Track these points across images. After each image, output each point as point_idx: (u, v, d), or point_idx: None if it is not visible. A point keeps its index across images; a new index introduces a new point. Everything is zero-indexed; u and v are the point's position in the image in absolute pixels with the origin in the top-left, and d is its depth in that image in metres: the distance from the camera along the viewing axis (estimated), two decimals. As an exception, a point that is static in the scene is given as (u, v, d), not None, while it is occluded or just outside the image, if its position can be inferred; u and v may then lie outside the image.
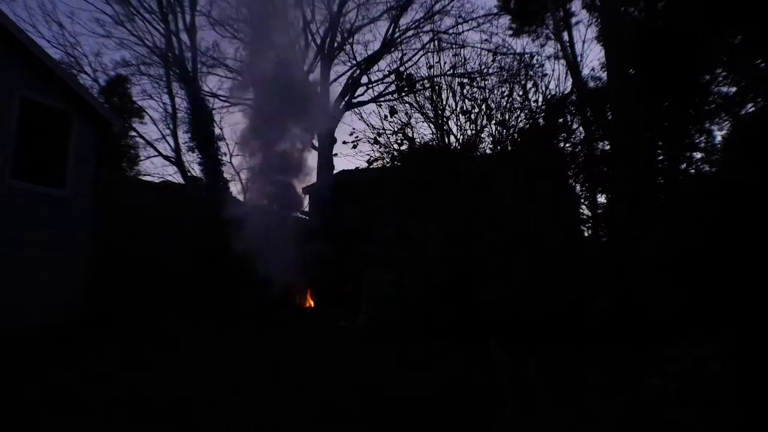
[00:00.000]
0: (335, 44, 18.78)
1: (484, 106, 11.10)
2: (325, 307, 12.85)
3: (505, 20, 17.38)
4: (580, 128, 12.77)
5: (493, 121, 11.12)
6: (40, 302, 8.99)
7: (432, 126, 11.69)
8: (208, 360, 7.13)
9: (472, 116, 11.14)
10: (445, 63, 12.98)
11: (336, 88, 18.97)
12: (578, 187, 12.33)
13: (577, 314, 7.33)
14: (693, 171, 11.95)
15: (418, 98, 12.11)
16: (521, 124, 11.42)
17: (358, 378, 6.20)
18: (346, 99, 18.59)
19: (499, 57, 13.22)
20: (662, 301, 7.09)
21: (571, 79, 13.51)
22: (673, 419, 4.33)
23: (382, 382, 6.01)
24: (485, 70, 12.49)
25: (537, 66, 12.96)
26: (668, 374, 5.44)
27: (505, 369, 4.43)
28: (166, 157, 19.20)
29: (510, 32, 17.02)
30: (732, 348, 5.07)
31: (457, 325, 7.59)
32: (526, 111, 11.49)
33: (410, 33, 18.57)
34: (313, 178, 17.21)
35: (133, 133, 19.94)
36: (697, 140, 12.32)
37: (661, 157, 12.48)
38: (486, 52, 13.67)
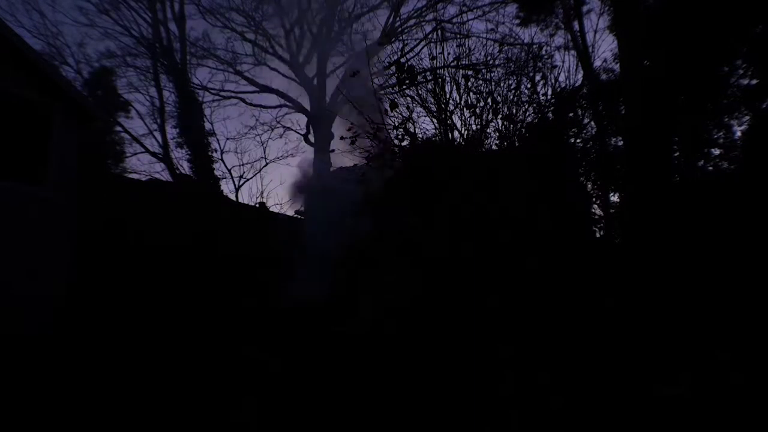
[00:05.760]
0: (332, 34, 18.84)
1: (489, 100, 11.08)
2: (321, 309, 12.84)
3: (512, 9, 17.45)
4: (592, 123, 12.77)
5: (500, 116, 11.10)
6: (11, 311, 8.94)
7: (435, 121, 11.68)
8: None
9: (477, 110, 11.12)
10: (448, 54, 12.96)
11: (333, 81, 19.03)
12: (590, 186, 12.33)
13: (583, 318, 7.35)
14: (711, 168, 11.97)
15: (419, 91, 12.09)
16: (529, 119, 11.41)
17: (358, 386, 6.21)
18: (343, 92, 18.61)
19: (506, 48, 13.20)
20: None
21: (582, 71, 13.52)
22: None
23: (383, 390, 6.02)
24: (491, 62, 12.48)
25: (546, 57, 12.93)
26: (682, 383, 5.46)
27: (510, 375, 4.46)
28: (154, 154, 19.25)
29: (517, 21, 17.06)
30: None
31: (460, 328, 7.60)
32: (534, 105, 11.48)
33: (412, 22, 18.64)
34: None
35: (119, 129, 20.00)
36: (716, 136, 12.32)
37: (677, 154, 12.50)
38: (492, 42, 13.65)
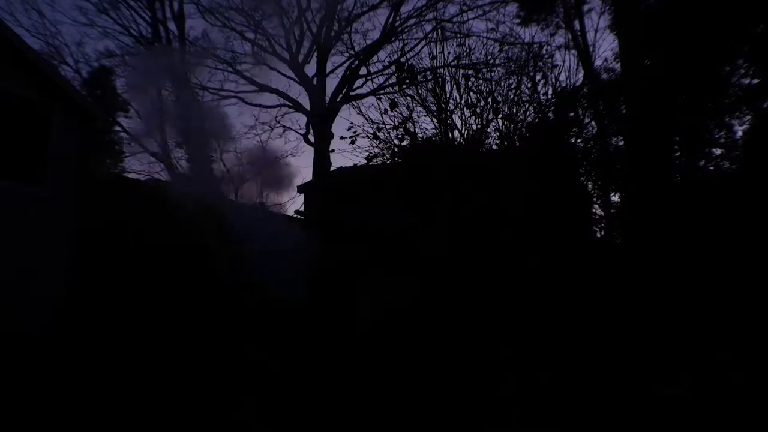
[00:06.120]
0: (332, 33, 18.83)
1: (490, 99, 11.13)
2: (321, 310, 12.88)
3: (512, 8, 17.40)
4: (593, 123, 12.81)
5: (500, 115, 11.15)
6: (10, 311, 8.93)
7: (435, 120, 11.73)
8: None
9: (478, 110, 11.17)
10: (448, 53, 13.00)
11: (333, 80, 19.03)
12: (590, 186, 12.37)
13: (584, 317, 7.39)
14: (712, 168, 12.00)
15: (420, 91, 12.14)
16: (530, 119, 11.46)
17: (359, 386, 6.24)
18: (343, 92, 18.63)
19: (507, 47, 13.24)
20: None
21: (582, 71, 13.56)
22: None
23: (384, 390, 6.06)
24: (491, 61, 12.52)
25: (546, 57, 12.97)
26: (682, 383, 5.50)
27: (510, 375, 4.49)
28: (153, 154, 19.24)
29: (518, 21, 17.05)
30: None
31: (460, 328, 7.64)
32: (534, 104, 11.52)
33: (412, 21, 18.60)
34: (308, 176, 17.30)
35: (118, 128, 20.01)
36: (717, 135, 12.36)
37: (678, 154, 12.53)
38: (492, 41, 13.69)
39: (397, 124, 11.90)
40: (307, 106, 18.63)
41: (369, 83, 18.80)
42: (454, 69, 12.43)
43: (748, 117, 11.98)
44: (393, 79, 17.66)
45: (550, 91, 11.68)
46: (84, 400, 6.36)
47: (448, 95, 11.54)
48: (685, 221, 9.82)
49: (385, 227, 10.38)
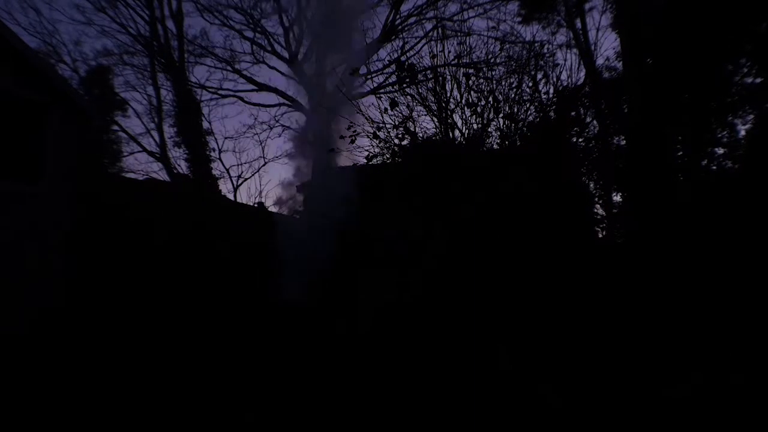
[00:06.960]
0: (332, 32, 18.87)
1: (491, 99, 11.14)
2: (321, 310, 12.91)
3: (513, 6, 17.49)
4: (594, 122, 12.83)
5: (501, 115, 11.16)
6: (9, 311, 8.96)
7: (435, 119, 11.74)
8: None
9: (478, 109, 11.18)
10: (449, 52, 13.02)
11: (333, 79, 19.07)
12: (592, 185, 12.39)
13: (585, 319, 7.41)
14: (715, 167, 12.02)
15: (420, 90, 12.15)
16: (531, 118, 11.47)
17: (360, 386, 6.26)
18: (343, 91, 18.64)
19: (507, 46, 13.26)
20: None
21: (584, 70, 13.61)
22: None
23: (383, 392, 6.08)
24: (492, 60, 12.54)
25: (548, 55, 13.01)
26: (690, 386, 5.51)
27: (514, 382, 4.51)
28: (151, 153, 19.32)
29: (519, 19, 17.13)
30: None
31: (460, 329, 7.66)
32: (536, 103, 11.54)
33: (412, 20, 18.68)
34: (308, 175, 17.35)
35: (116, 128, 20.07)
36: (720, 135, 12.38)
37: (680, 153, 12.55)
38: (493, 40, 13.74)
39: (397, 123, 11.90)
40: (307, 105, 18.71)
41: (369, 82, 18.91)
42: (454, 68, 12.44)
43: (751, 116, 12.01)
44: (393, 78, 17.77)
45: (551, 90, 11.68)
46: (79, 400, 6.38)
47: (448, 94, 11.54)
48: (688, 221, 9.83)
49: (384, 226, 10.39)
